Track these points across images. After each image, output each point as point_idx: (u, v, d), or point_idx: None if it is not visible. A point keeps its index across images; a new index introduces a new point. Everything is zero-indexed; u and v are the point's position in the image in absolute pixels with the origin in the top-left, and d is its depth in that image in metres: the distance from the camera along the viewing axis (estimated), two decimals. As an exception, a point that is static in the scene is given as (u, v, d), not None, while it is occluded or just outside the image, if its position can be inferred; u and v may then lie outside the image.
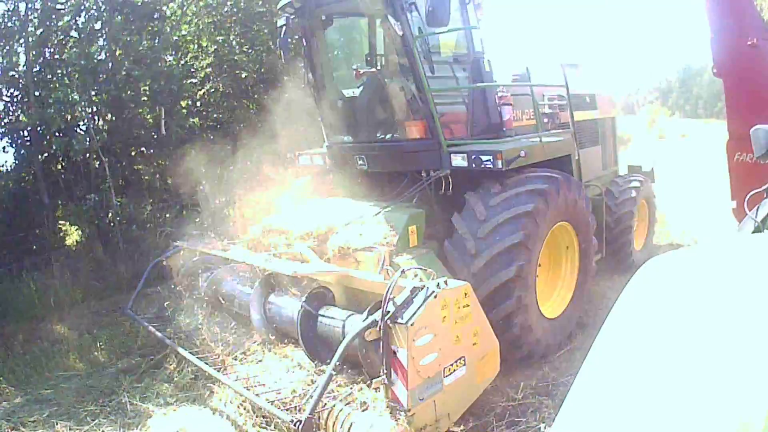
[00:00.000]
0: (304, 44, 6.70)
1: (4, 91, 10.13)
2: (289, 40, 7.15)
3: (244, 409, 4.73)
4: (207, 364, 4.89)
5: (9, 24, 9.68)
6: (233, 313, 5.67)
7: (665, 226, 11.12)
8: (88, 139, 9.47)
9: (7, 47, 9.82)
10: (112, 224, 9.92)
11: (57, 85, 9.61)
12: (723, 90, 6.08)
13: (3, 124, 10.09)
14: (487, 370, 4.27)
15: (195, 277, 6.24)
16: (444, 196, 5.92)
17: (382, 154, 6.38)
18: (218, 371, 4.74)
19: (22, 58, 9.87)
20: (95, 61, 9.62)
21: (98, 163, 10.01)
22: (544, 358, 5.61)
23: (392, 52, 6.11)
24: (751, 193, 3.62)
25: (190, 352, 5.14)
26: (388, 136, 6.30)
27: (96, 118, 10.23)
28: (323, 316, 4.60)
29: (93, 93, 9.74)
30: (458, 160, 5.65)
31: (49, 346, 6.82)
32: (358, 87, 6.60)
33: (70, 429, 4.96)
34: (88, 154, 9.92)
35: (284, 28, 6.53)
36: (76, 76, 9.46)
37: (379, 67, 6.58)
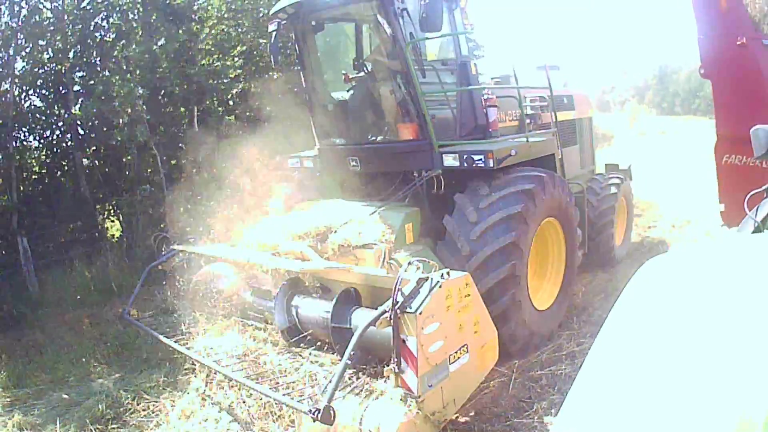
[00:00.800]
0: (297, 49, 6.85)
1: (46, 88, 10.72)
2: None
3: (246, 405, 4.78)
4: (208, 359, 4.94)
5: (46, 22, 10.28)
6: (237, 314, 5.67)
7: (656, 220, 11.79)
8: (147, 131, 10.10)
9: (48, 43, 10.46)
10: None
11: (118, 80, 9.94)
12: (711, 90, 6.01)
13: (48, 118, 10.68)
14: (487, 357, 4.45)
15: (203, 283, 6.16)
16: (436, 195, 6.13)
17: (374, 155, 6.56)
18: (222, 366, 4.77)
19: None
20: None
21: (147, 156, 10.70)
22: (538, 348, 5.85)
23: (383, 57, 6.29)
24: (751, 193, 3.62)
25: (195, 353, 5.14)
26: (381, 137, 6.49)
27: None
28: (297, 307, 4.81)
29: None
30: (450, 160, 5.86)
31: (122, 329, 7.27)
32: (348, 91, 6.78)
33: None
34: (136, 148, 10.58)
35: (275, 33, 6.68)
36: (138, 72, 10.00)
37: (367, 72, 6.77)
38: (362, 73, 6.83)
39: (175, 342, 5.33)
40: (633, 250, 9.42)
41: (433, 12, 5.35)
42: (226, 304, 5.60)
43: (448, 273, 4.07)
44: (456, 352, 4.12)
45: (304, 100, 7.10)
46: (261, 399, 4.61)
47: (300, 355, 4.76)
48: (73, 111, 10.39)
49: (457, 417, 4.63)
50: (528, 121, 7.21)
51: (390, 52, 6.02)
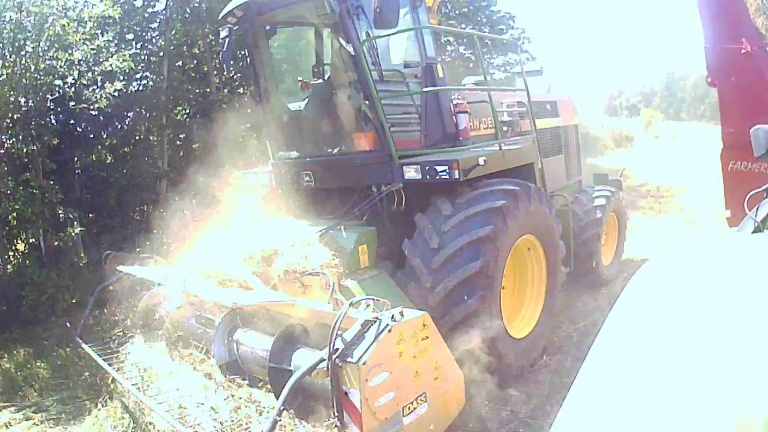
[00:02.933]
0: (248, 56, 6.28)
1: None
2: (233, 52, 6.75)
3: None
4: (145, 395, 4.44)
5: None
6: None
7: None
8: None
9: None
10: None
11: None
12: (717, 98, 6.05)
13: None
14: (451, 404, 3.87)
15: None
16: (396, 212, 5.52)
17: (329, 169, 5.99)
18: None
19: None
20: None
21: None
22: (518, 378, 5.27)
23: (339, 60, 5.72)
24: (751, 193, 3.60)
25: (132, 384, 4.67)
26: (336, 149, 5.92)
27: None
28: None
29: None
30: (411, 173, 5.25)
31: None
32: (304, 99, 6.20)
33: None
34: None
35: (227, 39, 6.11)
36: None
37: (325, 78, 6.19)
38: (320, 81, 6.25)
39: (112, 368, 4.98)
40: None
41: (387, 6, 4.75)
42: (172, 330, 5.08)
43: (401, 313, 3.48)
44: (411, 403, 3.55)
45: (258, 110, 6.50)
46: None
47: (237, 396, 4.20)
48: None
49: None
50: (505, 128, 6.63)
51: (345, 55, 5.43)
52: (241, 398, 4.15)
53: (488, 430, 4.57)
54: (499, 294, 5.00)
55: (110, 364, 5.11)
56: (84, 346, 5.64)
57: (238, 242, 5.35)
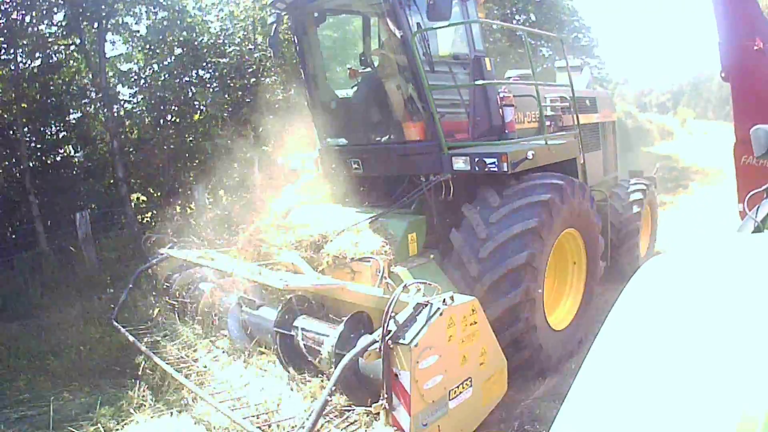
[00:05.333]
0: (296, 42, 6.37)
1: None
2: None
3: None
4: (189, 379, 4.54)
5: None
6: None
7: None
8: None
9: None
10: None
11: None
12: (731, 94, 5.97)
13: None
14: (494, 390, 3.96)
15: (184, 287, 5.85)
16: (444, 202, 5.59)
17: (378, 157, 6.05)
18: (199, 386, 4.39)
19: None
20: None
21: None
22: (556, 370, 5.31)
23: (389, 50, 5.77)
24: (751, 193, 3.60)
25: (172, 367, 4.76)
26: (385, 138, 5.98)
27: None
28: (304, 330, 4.23)
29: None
30: (460, 164, 5.30)
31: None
32: (352, 87, 6.29)
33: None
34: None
35: (275, 25, 6.21)
36: None
37: (374, 66, 6.26)
38: (368, 69, 6.33)
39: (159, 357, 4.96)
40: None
41: None
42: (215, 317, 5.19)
43: (451, 298, 3.57)
44: (457, 387, 3.64)
45: (305, 97, 6.59)
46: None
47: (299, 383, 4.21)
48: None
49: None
50: (548, 123, 6.66)
51: (396, 46, 5.49)
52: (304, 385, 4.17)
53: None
54: (542, 285, 5.05)
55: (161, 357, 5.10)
56: (122, 330, 5.70)
57: (285, 228, 5.47)
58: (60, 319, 7.56)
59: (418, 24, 5.37)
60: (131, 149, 11.68)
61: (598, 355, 1.71)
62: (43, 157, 11.26)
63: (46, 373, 6.17)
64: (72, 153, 11.82)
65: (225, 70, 11.84)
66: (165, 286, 6.09)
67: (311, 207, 6.13)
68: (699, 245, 2.30)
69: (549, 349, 5.13)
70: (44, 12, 10.37)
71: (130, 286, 6.19)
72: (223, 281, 5.45)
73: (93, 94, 11.48)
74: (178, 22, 11.64)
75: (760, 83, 5.61)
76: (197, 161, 11.46)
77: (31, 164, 10.49)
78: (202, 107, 11.73)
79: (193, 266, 5.83)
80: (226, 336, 4.98)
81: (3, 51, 10.04)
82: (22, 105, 10.27)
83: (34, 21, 10.27)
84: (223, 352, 4.94)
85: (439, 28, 5.48)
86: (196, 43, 11.78)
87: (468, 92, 5.90)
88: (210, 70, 12.13)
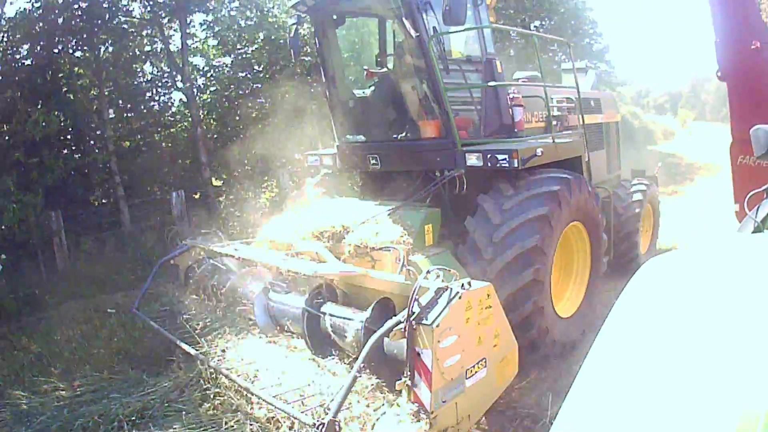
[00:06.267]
0: (317, 43, 6.66)
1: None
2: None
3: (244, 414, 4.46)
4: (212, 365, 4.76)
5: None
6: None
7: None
8: None
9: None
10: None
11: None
12: (727, 93, 6.07)
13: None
14: (506, 371, 4.23)
15: (206, 278, 6.03)
16: (457, 196, 5.90)
17: (395, 153, 6.36)
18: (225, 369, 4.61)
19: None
20: None
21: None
22: (561, 357, 5.60)
23: (405, 52, 6.07)
24: (751, 193, 3.61)
25: (200, 353, 4.98)
26: (402, 135, 6.27)
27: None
28: (331, 315, 4.48)
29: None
30: (473, 160, 5.61)
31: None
32: (369, 87, 6.57)
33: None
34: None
35: (295, 26, 6.50)
36: None
37: (389, 68, 6.55)
38: (384, 70, 6.62)
39: (185, 343, 5.17)
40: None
41: (457, 4, 5.11)
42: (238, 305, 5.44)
43: (469, 283, 3.85)
44: (473, 367, 3.91)
45: (324, 96, 6.89)
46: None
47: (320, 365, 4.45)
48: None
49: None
50: (554, 122, 6.95)
51: (413, 48, 5.79)
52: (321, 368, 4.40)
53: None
54: (550, 271, 5.36)
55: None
56: (145, 318, 5.90)
57: (307, 220, 5.75)
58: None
59: (434, 28, 5.64)
60: (215, 135, 12.25)
61: (598, 354, 1.73)
62: (128, 142, 12.02)
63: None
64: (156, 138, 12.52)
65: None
66: (188, 276, 6.30)
67: (330, 200, 6.42)
68: (699, 245, 2.31)
69: (554, 334, 5.42)
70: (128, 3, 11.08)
71: (151, 277, 6.35)
72: (245, 270, 5.75)
73: (179, 83, 12.17)
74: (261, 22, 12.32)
75: (756, 82, 5.70)
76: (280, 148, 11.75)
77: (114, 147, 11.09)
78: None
79: (217, 256, 6.07)
80: (252, 320, 5.25)
81: (86, 38, 10.51)
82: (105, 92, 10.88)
83: (116, 12, 10.84)
84: (249, 334, 5.20)
85: (455, 32, 5.76)
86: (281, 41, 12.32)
87: (480, 92, 6.18)
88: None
